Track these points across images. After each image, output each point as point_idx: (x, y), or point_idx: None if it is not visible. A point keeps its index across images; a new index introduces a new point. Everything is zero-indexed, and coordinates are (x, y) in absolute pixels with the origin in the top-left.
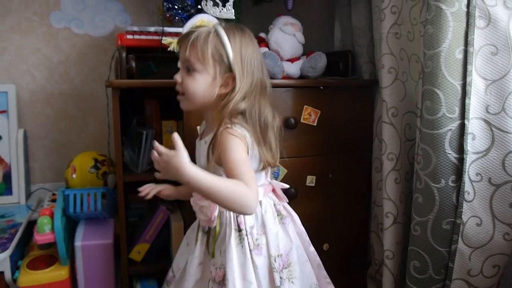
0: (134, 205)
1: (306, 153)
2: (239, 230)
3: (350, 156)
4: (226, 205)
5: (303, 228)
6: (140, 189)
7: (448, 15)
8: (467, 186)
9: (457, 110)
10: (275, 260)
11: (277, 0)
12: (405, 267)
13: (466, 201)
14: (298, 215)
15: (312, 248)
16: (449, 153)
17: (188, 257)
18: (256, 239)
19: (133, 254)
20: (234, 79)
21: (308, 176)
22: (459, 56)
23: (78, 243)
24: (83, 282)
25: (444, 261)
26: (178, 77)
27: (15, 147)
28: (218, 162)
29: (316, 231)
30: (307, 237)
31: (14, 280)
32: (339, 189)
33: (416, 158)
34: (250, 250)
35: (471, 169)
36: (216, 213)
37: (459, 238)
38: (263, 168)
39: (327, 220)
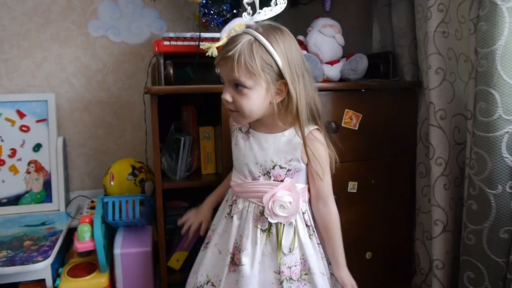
0: (171, 212)
1: (347, 158)
2: (307, 225)
3: (393, 161)
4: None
5: None
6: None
7: (504, 11)
8: None
9: None
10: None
11: (313, 2)
12: (455, 278)
13: None
14: (340, 222)
15: None
16: (506, 157)
17: (243, 259)
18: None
19: (171, 262)
20: (286, 84)
21: (350, 182)
22: None
23: (117, 250)
24: None
25: (502, 272)
26: (228, 97)
27: (55, 154)
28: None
29: (359, 239)
30: None
31: None
32: (381, 195)
33: (469, 163)
34: (318, 244)
35: None
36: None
37: None
38: None
39: (369, 227)
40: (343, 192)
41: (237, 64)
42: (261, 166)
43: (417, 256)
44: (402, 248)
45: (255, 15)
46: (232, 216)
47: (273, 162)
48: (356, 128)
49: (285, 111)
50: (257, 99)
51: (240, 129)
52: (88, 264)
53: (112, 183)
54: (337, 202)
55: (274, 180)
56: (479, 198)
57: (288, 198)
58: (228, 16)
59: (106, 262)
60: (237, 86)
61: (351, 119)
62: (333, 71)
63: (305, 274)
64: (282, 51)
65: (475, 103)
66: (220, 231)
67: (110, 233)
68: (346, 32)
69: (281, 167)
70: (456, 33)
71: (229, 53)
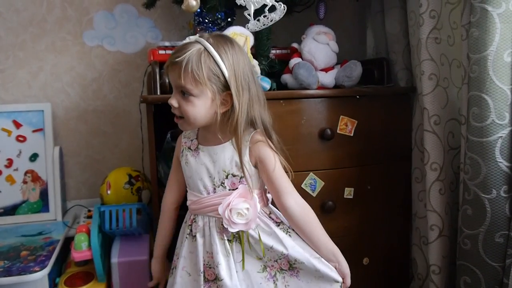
0: None
1: (343, 165)
2: (277, 223)
3: (388, 167)
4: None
5: None
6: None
7: (494, 17)
8: None
9: (507, 116)
10: None
11: (307, 9)
12: (452, 283)
13: None
14: (336, 228)
15: None
16: (500, 162)
17: (221, 273)
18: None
19: None
20: (231, 96)
21: (346, 188)
22: (508, 59)
23: (114, 259)
24: None
25: (498, 276)
26: (174, 102)
27: (52, 164)
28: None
29: (355, 245)
30: None
31: None
32: (378, 201)
33: (463, 168)
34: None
35: None
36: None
37: None
38: None
39: (366, 233)
40: (339, 198)
41: (184, 71)
42: (214, 178)
43: (414, 261)
44: (399, 253)
45: (250, 24)
46: (195, 236)
47: (225, 172)
48: (352, 134)
49: (227, 122)
50: (202, 107)
51: (189, 148)
52: (85, 274)
53: (109, 192)
54: (334, 209)
55: (229, 190)
56: (474, 203)
57: (244, 204)
58: (222, 24)
59: (103, 271)
60: (184, 93)
61: (346, 126)
62: (328, 78)
63: (294, 263)
64: (230, 63)
65: (468, 108)
66: (184, 253)
67: (107, 242)
68: (340, 39)
69: (233, 175)
70: (448, 39)
71: (177, 59)
